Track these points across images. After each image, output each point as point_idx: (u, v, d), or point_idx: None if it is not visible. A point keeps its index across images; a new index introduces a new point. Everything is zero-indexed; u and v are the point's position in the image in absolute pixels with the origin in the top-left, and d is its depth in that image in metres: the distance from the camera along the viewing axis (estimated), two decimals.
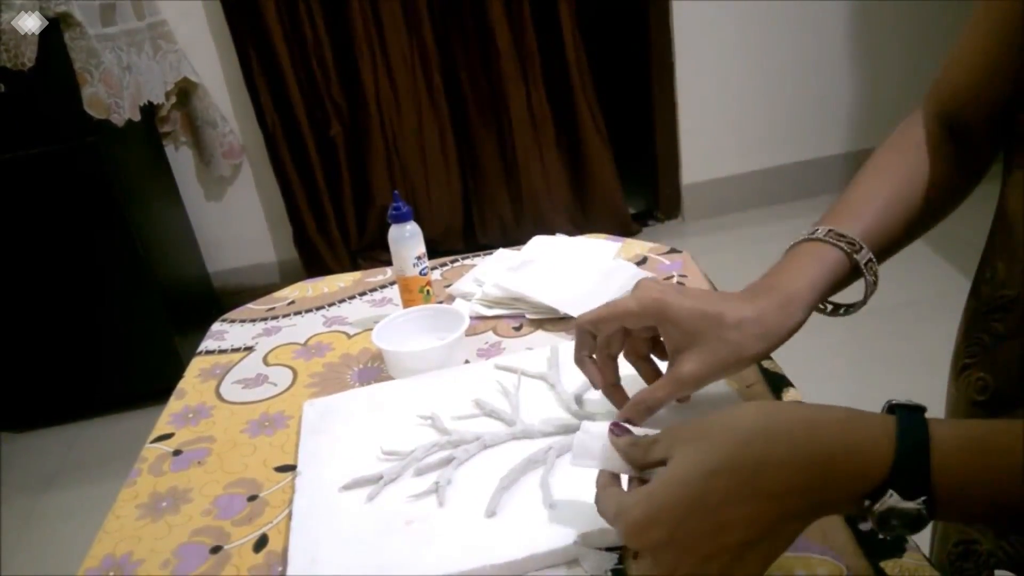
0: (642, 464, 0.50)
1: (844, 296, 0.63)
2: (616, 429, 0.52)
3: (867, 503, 0.41)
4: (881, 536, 0.44)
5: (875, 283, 0.62)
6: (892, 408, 0.43)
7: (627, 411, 0.61)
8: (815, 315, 0.62)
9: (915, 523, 0.41)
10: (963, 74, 0.62)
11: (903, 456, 0.41)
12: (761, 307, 0.58)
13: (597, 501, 0.51)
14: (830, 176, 2.91)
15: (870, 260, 0.61)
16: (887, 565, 0.53)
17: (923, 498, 0.40)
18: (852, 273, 0.61)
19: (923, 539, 0.64)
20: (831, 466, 0.42)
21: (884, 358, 2.07)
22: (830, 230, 0.61)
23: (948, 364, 0.66)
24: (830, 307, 0.65)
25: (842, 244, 0.60)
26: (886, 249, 0.63)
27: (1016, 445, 0.40)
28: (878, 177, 0.65)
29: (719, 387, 0.72)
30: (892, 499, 0.40)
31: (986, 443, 0.41)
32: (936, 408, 0.65)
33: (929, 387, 0.77)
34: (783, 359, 0.78)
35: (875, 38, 2.82)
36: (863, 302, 0.64)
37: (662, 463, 0.47)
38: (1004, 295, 0.57)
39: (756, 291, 0.60)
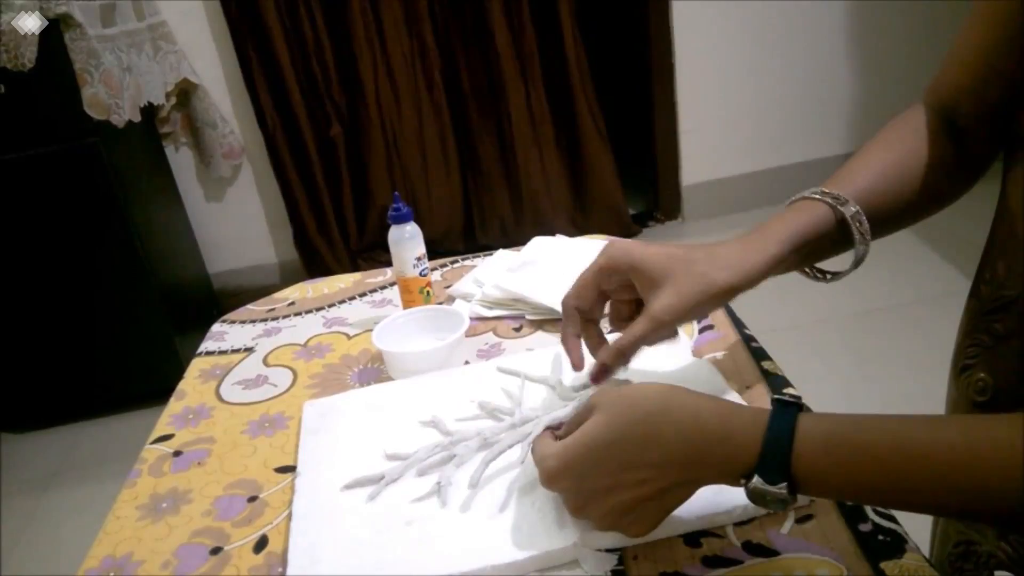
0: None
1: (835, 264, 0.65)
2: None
3: (742, 481, 0.49)
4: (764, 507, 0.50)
5: (866, 243, 0.62)
6: (774, 400, 0.50)
7: (604, 355, 0.63)
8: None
9: (782, 502, 0.48)
10: (961, 73, 0.62)
11: (767, 448, 0.47)
12: (731, 244, 0.61)
13: (533, 449, 0.57)
14: (830, 176, 2.90)
15: (857, 213, 0.61)
16: (887, 566, 0.53)
17: (784, 484, 0.47)
18: (839, 228, 0.61)
19: (923, 539, 0.64)
20: (707, 450, 0.50)
21: (884, 358, 2.07)
22: (820, 189, 0.63)
23: (948, 364, 0.66)
24: (817, 273, 0.66)
25: (827, 199, 0.62)
26: (879, 217, 0.63)
27: (877, 440, 0.46)
28: (879, 148, 0.66)
29: (706, 373, 0.72)
30: (757, 481, 0.47)
31: (849, 438, 0.47)
32: (936, 408, 0.65)
33: (929, 387, 0.77)
34: (783, 359, 0.79)
35: (875, 38, 2.82)
36: (853, 266, 0.64)
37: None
38: (1004, 295, 0.57)
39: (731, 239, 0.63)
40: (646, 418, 0.51)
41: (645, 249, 0.61)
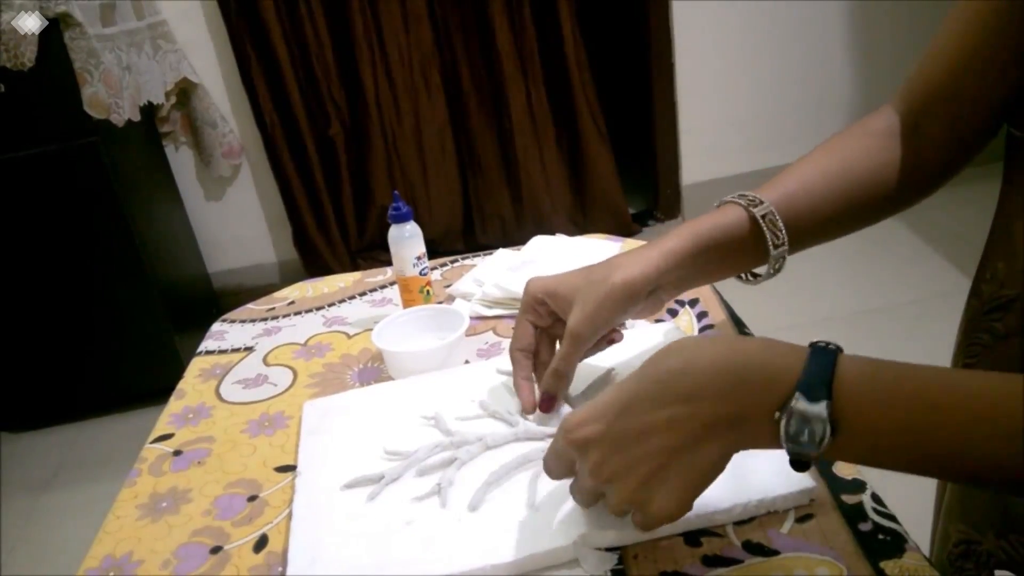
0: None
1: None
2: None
3: (777, 415, 0.44)
4: (791, 456, 0.45)
5: (780, 244, 0.62)
6: (812, 345, 0.46)
7: (544, 384, 0.66)
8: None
9: (821, 439, 0.43)
10: (936, 71, 0.61)
11: (810, 366, 0.44)
12: (632, 249, 0.64)
13: (544, 460, 0.56)
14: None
15: (769, 215, 0.61)
16: (887, 565, 0.53)
17: (826, 402, 0.43)
18: (754, 229, 0.62)
19: (923, 539, 0.64)
20: (745, 375, 0.46)
21: (884, 358, 2.06)
22: (739, 193, 0.64)
23: (948, 364, 0.66)
24: (746, 276, 0.67)
25: (742, 201, 0.62)
26: (805, 221, 0.63)
27: (928, 377, 0.44)
28: (817, 154, 0.66)
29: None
30: (798, 403, 0.43)
31: (895, 370, 0.45)
32: None
33: None
34: None
35: (875, 38, 2.82)
36: (770, 269, 0.64)
37: None
38: (1004, 295, 0.57)
39: None
40: (678, 350, 0.48)
41: (557, 277, 0.66)
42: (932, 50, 0.61)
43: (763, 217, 0.61)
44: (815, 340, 0.46)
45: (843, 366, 0.44)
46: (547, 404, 0.66)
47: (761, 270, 0.66)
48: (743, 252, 0.63)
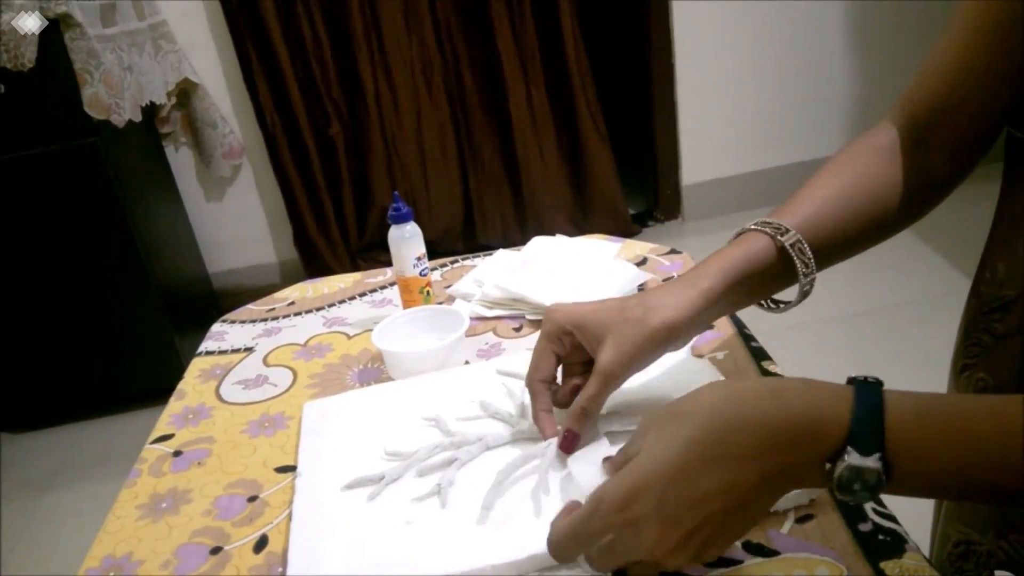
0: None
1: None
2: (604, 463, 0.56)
3: (828, 466, 0.44)
4: (841, 498, 0.44)
5: (810, 272, 0.61)
6: (850, 380, 0.45)
7: (568, 421, 0.62)
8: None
9: (874, 486, 0.43)
10: (939, 83, 0.61)
11: (859, 415, 0.43)
12: (665, 286, 0.62)
13: (558, 543, 0.51)
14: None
15: (798, 243, 0.61)
16: (887, 565, 0.53)
17: (878, 455, 0.42)
18: (783, 258, 0.61)
19: (923, 539, 0.64)
20: (795, 426, 0.44)
21: (884, 358, 2.07)
22: (763, 220, 0.63)
23: (948, 364, 0.66)
24: (771, 304, 0.66)
25: (767, 229, 0.61)
26: (828, 244, 0.63)
27: (973, 410, 0.43)
28: (827, 175, 0.65)
29: (707, 373, 0.72)
30: (850, 456, 0.42)
31: (940, 408, 0.44)
32: None
33: (929, 387, 0.76)
34: (783, 359, 0.79)
35: (875, 38, 2.82)
36: (800, 297, 0.64)
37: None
38: (1004, 295, 0.58)
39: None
40: (720, 405, 0.46)
41: (585, 308, 0.63)
42: (932, 62, 0.61)
43: (792, 246, 0.60)
44: (853, 376, 0.45)
45: (891, 412, 0.43)
46: (570, 444, 0.62)
47: (785, 296, 0.65)
48: (771, 281, 0.63)
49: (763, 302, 0.67)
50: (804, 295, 0.64)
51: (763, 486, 0.45)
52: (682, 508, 0.45)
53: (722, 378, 0.72)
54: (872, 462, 0.42)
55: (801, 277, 0.61)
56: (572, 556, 0.51)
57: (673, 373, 0.73)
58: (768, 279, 0.62)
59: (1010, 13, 0.54)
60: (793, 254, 0.61)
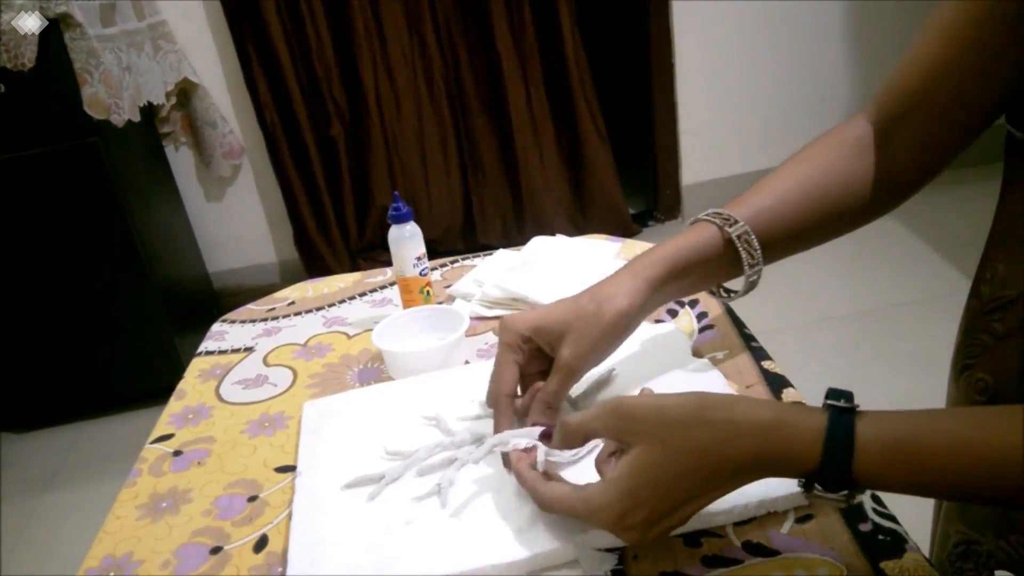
0: (583, 442, 0.56)
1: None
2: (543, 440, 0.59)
3: (802, 481, 0.48)
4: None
5: (755, 263, 0.63)
6: (828, 396, 0.48)
7: (534, 414, 0.63)
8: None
9: (843, 505, 0.48)
10: (912, 77, 0.61)
11: (827, 460, 0.46)
12: (611, 276, 0.64)
13: (548, 503, 0.55)
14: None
15: (745, 234, 0.62)
16: (887, 565, 0.53)
17: (844, 492, 0.46)
18: (729, 247, 0.63)
19: (923, 539, 0.64)
20: (773, 459, 0.48)
21: (884, 358, 2.07)
22: (713, 210, 0.64)
23: (948, 364, 0.66)
24: (722, 292, 0.68)
25: (716, 220, 0.63)
26: (779, 237, 0.64)
27: (937, 444, 0.45)
28: (787, 168, 0.66)
29: (707, 373, 0.72)
30: (817, 490, 0.47)
31: (909, 444, 0.46)
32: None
33: (929, 387, 0.77)
34: (783, 359, 0.79)
35: (874, 38, 2.82)
36: (747, 288, 0.66)
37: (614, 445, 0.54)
38: (1004, 295, 0.57)
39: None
40: (706, 426, 0.49)
41: (538, 312, 0.65)
42: (907, 59, 0.61)
43: (738, 237, 0.62)
44: (830, 401, 0.48)
45: (860, 452, 0.46)
46: (546, 436, 0.62)
47: (736, 285, 0.67)
48: (718, 270, 0.65)
49: (713, 290, 0.69)
50: (751, 286, 0.66)
51: (738, 484, 0.50)
52: (669, 508, 0.50)
53: (720, 377, 0.72)
54: (837, 496, 0.47)
55: (747, 268, 0.63)
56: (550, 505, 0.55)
57: (675, 374, 0.73)
58: (715, 268, 0.64)
59: (985, 12, 0.54)
60: (739, 245, 0.62)
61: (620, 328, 0.62)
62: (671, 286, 0.64)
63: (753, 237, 0.62)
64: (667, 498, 0.50)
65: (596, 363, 0.64)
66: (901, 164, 0.63)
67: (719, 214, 0.64)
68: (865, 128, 0.64)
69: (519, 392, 0.67)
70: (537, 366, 0.66)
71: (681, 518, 0.51)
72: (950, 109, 0.59)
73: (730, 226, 0.62)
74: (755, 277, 0.65)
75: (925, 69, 0.59)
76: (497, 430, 0.65)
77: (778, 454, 0.47)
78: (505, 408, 0.65)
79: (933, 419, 0.46)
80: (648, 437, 0.50)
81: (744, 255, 0.62)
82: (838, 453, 0.46)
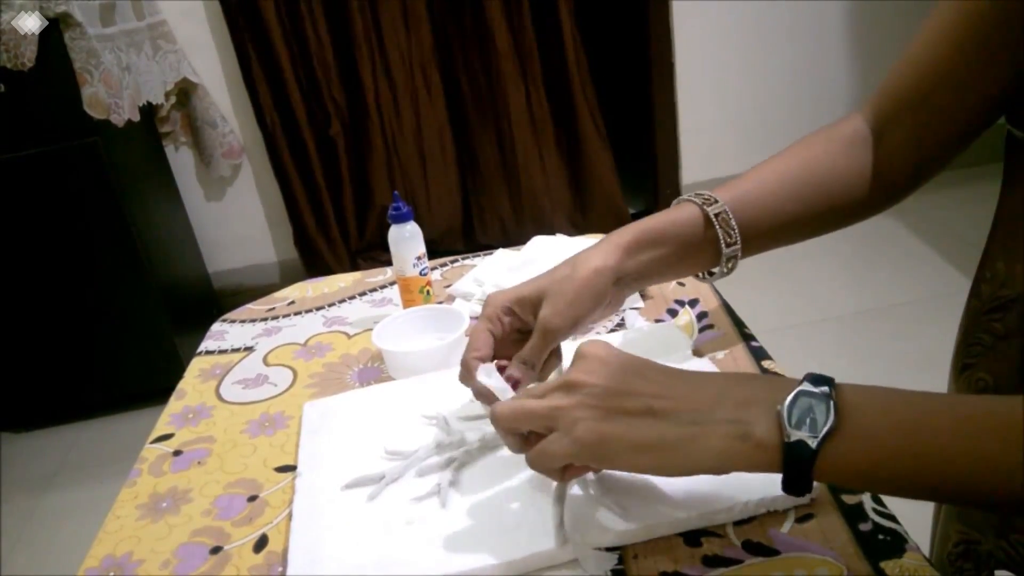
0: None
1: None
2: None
3: (779, 408, 0.45)
4: (792, 452, 0.45)
5: (732, 242, 0.63)
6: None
7: (512, 369, 0.63)
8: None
9: (823, 424, 0.44)
10: (907, 76, 0.61)
11: (811, 375, 0.46)
12: (585, 248, 0.64)
13: (502, 414, 0.54)
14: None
15: (723, 213, 0.63)
16: (887, 565, 0.53)
17: (828, 388, 0.45)
18: (708, 226, 0.63)
19: (923, 539, 0.64)
20: (755, 378, 0.49)
21: (884, 358, 2.07)
22: (696, 192, 0.65)
23: (948, 364, 0.66)
24: (701, 273, 0.69)
25: (697, 199, 0.64)
26: (759, 223, 0.64)
27: (919, 395, 0.45)
28: (776, 159, 0.67)
29: (697, 363, 0.73)
30: (803, 385, 0.45)
31: (892, 392, 0.46)
32: None
33: (929, 387, 0.76)
34: (783, 359, 0.79)
35: (874, 38, 2.83)
36: (725, 269, 0.66)
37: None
38: (1004, 295, 0.58)
39: None
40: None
41: (518, 287, 0.65)
42: (903, 59, 0.61)
43: (716, 216, 0.63)
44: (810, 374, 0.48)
45: (842, 385, 0.46)
46: (513, 386, 0.62)
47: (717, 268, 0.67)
48: (698, 249, 0.64)
49: (699, 274, 0.69)
50: (729, 269, 0.66)
51: (707, 419, 0.47)
52: (633, 380, 0.49)
53: None
54: (823, 390, 0.44)
55: (723, 247, 0.64)
56: (519, 425, 0.53)
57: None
58: (694, 248, 0.64)
59: (981, 13, 0.54)
60: (716, 224, 0.63)
61: (594, 285, 0.62)
62: (646, 253, 0.63)
63: (732, 217, 0.63)
64: (636, 367, 0.50)
65: (575, 324, 0.63)
66: (894, 164, 0.63)
67: (701, 194, 0.64)
68: (859, 126, 0.65)
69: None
70: (511, 347, 0.65)
71: (639, 391, 0.49)
72: (944, 110, 0.59)
73: (709, 205, 0.63)
74: (733, 259, 0.65)
75: (920, 70, 0.59)
76: (463, 361, 0.64)
77: (762, 376, 0.49)
78: (471, 368, 0.64)
79: (915, 391, 0.46)
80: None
81: (721, 234, 0.63)
82: (819, 377, 0.46)
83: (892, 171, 0.63)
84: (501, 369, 0.63)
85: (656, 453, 0.48)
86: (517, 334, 0.65)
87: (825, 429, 0.43)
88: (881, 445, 0.44)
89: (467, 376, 0.63)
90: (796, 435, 0.44)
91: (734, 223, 0.63)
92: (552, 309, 0.62)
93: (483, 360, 0.63)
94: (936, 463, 0.43)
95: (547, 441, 0.51)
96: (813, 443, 0.43)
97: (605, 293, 0.63)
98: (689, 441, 0.47)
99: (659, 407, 0.48)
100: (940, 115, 0.59)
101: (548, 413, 0.51)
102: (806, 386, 0.45)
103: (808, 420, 0.44)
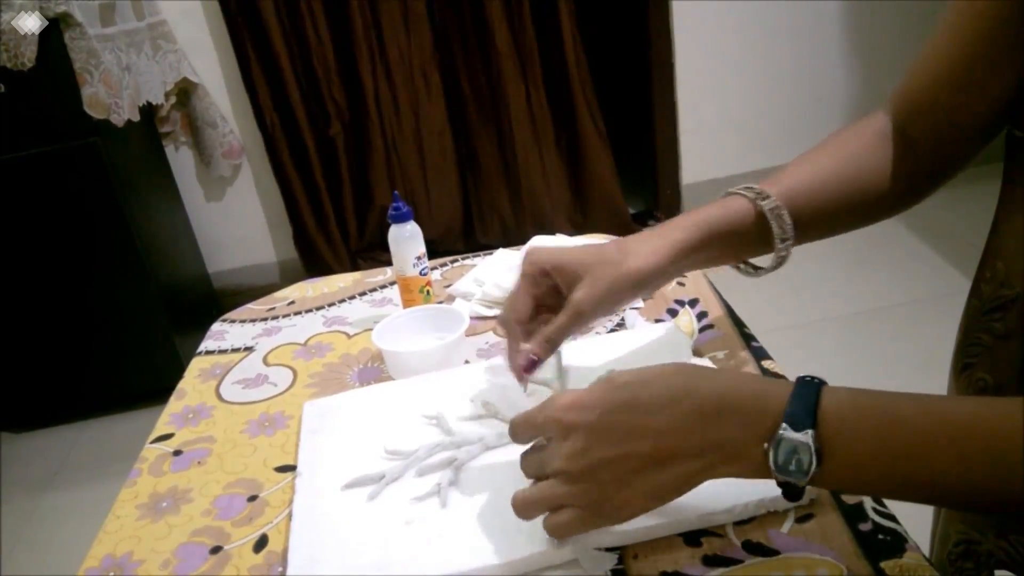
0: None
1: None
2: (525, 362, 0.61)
3: (766, 446, 0.46)
4: (781, 484, 0.47)
5: (786, 237, 0.63)
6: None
7: (534, 345, 0.63)
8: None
9: (808, 469, 0.45)
10: (923, 76, 0.61)
11: (796, 394, 0.46)
12: (642, 233, 0.64)
13: (515, 423, 0.55)
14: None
15: (776, 208, 0.62)
16: (887, 565, 0.53)
17: (811, 431, 0.45)
18: (761, 222, 0.63)
19: (923, 539, 0.64)
20: (739, 404, 0.48)
21: (884, 358, 2.07)
22: (747, 185, 0.64)
23: (948, 364, 0.66)
24: (749, 268, 0.68)
25: (749, 193, 0.63)
26: (805, 217, 0.64)
27: (902, 402, 0.45)
28: (818, 152, 0.67)
29: (697, 363, 0.72)
30: (785, 432, 0.45)
31: (876, 400, 0.46)
32: None
33: (929, 387, 0.76)
34: (783, 359, 0.79)
35: (874, 38, 2.82)
36: (775, 263, 0.66)
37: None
38: (1004, 295, 0.57)
39: None
40: (681, 369, 0.50)
41: (564, 250, 0.64)
42: (920, 58, 0.62)
43: (771, 211, 0.62)
44: (802, 375, 0.48)
45: (826, 398, 0.46)
46: (530, 366, 0.63)
47: (763, 262, 0.67)
48: (747, 244, 0.64)
49: (740, 265, 0.69)
50: (779, 262, 0.65)
51: (697, 453, 0.48)
52: (615, 433, 0.49)
53: None
54: (804, 437, 0.45)
55: (777, 242, 0.63)
56: (522, 436, 0.55)
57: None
58: (744, 241, 0.64)
59: (994, 10, 0.54)
60: (771, 219, 0.62)
61: (637, 283, 0.62)
62: (698, 254, 0.63)
63: (785, 212, 0.62)
64: (623, 409, 0.49)
65: (606, 312, 0.64)
66: (915, 162, 0.63)
67: (751, 188, 0.64)
68: (885, 123, 0.65)
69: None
70: (552, 298, 0.65)
71: (628, 453, 0.48)
72: (957, 112, 0.59)
73: (762, 200, 0.62)
74: (785, 253, 0.64)
75: (936, 67, 0.60)
76: (509, 352, 0.65)
77: (749, 392, 0.48)
78: (514, 331, 0.65)
79: (899, 392, 0.47)
80: (622, 374, 0.51)
81: (776, 229, 0.62)
82: (805, 392, 0.46)
83: (915, 169, 0.64)
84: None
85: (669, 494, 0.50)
86: (556, 294, 0.65)
87: (811, 471, 0.45)
88: (871, 472, 0.46)
89: (507, 335, 0.65)
90: (783, 478, 0.46)
91: (788, 217, 0.63)
92: (589, 292, 0.61)
93: (521, 322, 0.65)
94: (929, 484, 0.45)
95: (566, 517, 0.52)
96: (801, 480, 0.46)
97: (641, 292, 0.64)
98: (667, 482, 0.49)
99: (658, 456, 0.48)
100: (954, 115, 0.59)
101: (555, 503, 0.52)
102: (787, 432, 0.45)
103: (794, 462, 0.45)
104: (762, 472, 0.47)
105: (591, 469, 0.49)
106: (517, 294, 0.66)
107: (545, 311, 0.66)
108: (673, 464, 0.48)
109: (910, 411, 0.45)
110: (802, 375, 0.48)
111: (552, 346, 0.63)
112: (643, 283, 0.63)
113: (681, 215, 0.65)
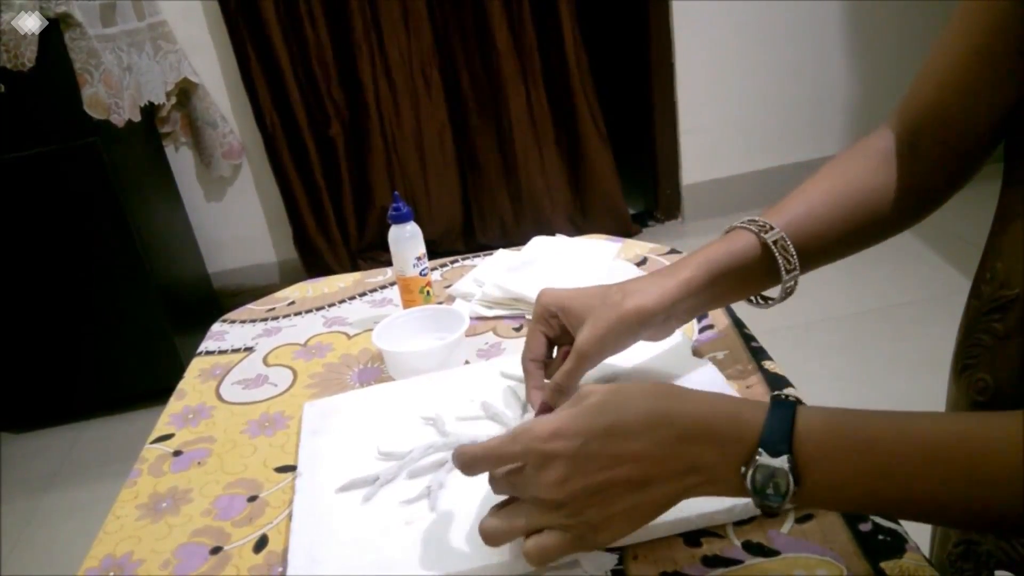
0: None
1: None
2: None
3: (743, 470, 0.46)
4: (761, 506, 0.47)
5: (792, 268, 0.63)
6: (773, 399, 0.50)
7: (546, 394, 0.65)
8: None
9: (785, 492, 0.45)
10: (930, 88, 0.61)
11: (771, 419, 0.46)
12: (648, 275, 0.65)
13: (472, 454, 0.52)
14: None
15: (781, 240, 0.63)
16: (887, 565, 0.53)
17: (787, 457, 0.45)
18: (767, 255, 0.63)
19: (923, 539, 0.64)
20: (717, 421, 0.48)
21: (884, 358, 2.07)
22: (751, 218, 0.65)
23: (948, 364, 0.66)
24: (759, 300, 0.68)
25: (752, 227, 0.64)
26: (812, 245, 0.64)
27: (878, 422, 0.46)
28: (820, 178, 0.67)
29: (708, 372, 0.72)
30: (761, 458, 0.46)
31: (850, 419, 0.46)
32: (936, 408, 0.65)
33: (929, 387, 0.77)
34: (783, 359, 0.79)
35: (874, 38, 2.82)
36: (783, 295, 0.66)
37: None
38: (1004, 295, 0.57)
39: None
40: (664, 395, 0.50)
41: (571, 292, 0.66)
42: (924, 71, 0.62)
43: (775, 243, 0.63)
44: (776, 393, 0.49)
45: (802, 419, 0.46)
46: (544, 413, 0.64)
47: (772, 293, 0.67)
48: (755, 278, 0.65)
49: (752, 299, 0.69)
50: (787, 293, 0.66)
51: (675, 476, 0.48)
52: (596, 460, 0.48)
53: (721, 378, 0.72)
54: (780, 462, 0.45)
55: (784, 274, 0.64)
56: (479, 470, 0.52)
57: (675, 373, 0.73)
58: (752, 275, 0.64)
59: (995, 21, 0.54)
60: (776, 252, 0.63)
61: (637, 322, 0.62)
62: (706, 292, 0.64)
63: (790, 244, 0.63)
64: (602, 436, 0.48)
65: (612, 352, 0.64)
66: (925, 176, 0.63)
67: (754, 221, 0.64)
68: (890, 140, 0.65)
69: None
70: (569, 339, 0.67)
71: (610, 479, 0.48)
72: (966, 123, 0.59)
73: (766, 233, 0.63)
74: (792, 284, 0.65)
75: (940, 80, 0.60)
76: (527, 393, 0.67)
77: (724, 417, 0.48)
78: (532, 372, 0.67)
79: (876, 411, 0.47)
80: (600, 392, 0.50)
81: (781, 261, 0.63)
82: (781, 415, 0.46)
83: (925, 183, 0.64)
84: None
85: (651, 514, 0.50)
86: (568, 334, 0.67)
87: (788, 495, 0.45)
88: (849, 492, 0.46)
89: (527, 376, 0.67)
90: (761, 500, 0.46)
91: (792, 249, 0.63)
92: (590, 334, 0.62)
93: (537, 361, 0.67)
94: (912, 503, 0.46)
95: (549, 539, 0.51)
96: (778, 504, 0.46)
97: (644, 330, 0.64)
98: (645, 506, 0.49)
99: (639, 480, 0.48)
100: (963, 126, 0.59)
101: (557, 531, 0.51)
102: (763, 457, 0.45)
103: (771, 486, 0.46)
104: (741, 493, 0.47)
105: (573, 497, 0.48)
106: (530, 335, 0.68)
107: (564, 351, 0.68)
108: (653, 487, 0.48)
109: (886, 432, 0.45)
110: (776, 393, 0.48)
111: (562, 392, 0.64)
112: (647, 322, 0.63)
113: (686, 255, 0.65)
